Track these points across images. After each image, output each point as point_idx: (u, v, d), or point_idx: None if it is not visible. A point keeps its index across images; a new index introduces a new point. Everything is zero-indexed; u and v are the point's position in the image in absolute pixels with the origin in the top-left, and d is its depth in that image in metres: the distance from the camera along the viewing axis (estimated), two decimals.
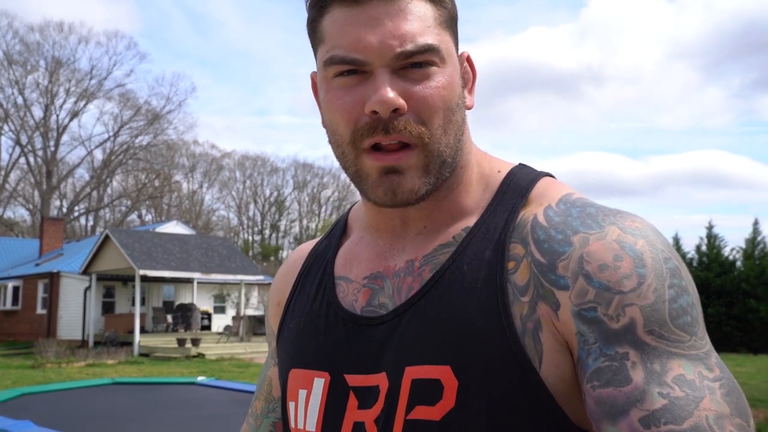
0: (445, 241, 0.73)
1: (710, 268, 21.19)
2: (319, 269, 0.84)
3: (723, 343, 20.30)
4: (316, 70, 0.76)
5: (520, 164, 0.79)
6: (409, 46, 0.67)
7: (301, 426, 0.76)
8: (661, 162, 76.05)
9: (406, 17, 0.68)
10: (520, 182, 0.74)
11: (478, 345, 0.65)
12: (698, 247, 22.09)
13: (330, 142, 0.74)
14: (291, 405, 0.78)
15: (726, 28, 67.45)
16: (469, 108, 0.75)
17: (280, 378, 0.83)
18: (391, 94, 0.66)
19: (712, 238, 21.84)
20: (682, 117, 72.75)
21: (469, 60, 0.77)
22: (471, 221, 0.73)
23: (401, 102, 0.67)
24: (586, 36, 73.82)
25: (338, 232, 0.86)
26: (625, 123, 74.87)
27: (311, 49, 0.76)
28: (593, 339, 0.61)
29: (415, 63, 0.68)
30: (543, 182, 0.75)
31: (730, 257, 21.51)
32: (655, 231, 0.66)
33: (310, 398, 0.76)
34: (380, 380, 0.70)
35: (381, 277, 0.76)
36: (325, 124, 0.74)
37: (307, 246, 0.91)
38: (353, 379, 0.72)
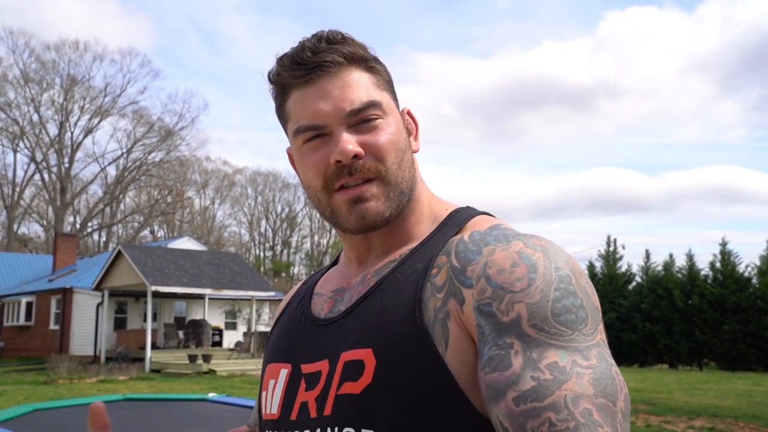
0: (392, 259, 0.88)
1: (725, 285, 20.98)
2: (305, 289, 1.02)
3: (738, 361, 20.01)
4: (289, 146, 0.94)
5: (467, 206, 0.95)
6: (357, 105, 0.85)
7: (268, 411, 0.90)
8: (676, 177, 75.61)
9: (349, 86, 0.86)
10: (460, 217, 0.91)
11: (394, 332, 0.78)
12: (712, 264, 21.89)
13: (308, 196, 0.92)
14: (263, 395, 0.93)
15: (743, 42, 66.93)
16: (415, 151, 0.93)
17: (261, 375, 0.97)
18: (349, 145, 0.83)
19: (726, 254, 21.65)
20: (698, 131, 72.42)
21: (410, 114, 0.95)
22: (415, 244, 0.89)
23: (358, 149, 0.84)
24: (602, 50, 73.62)
25: (330, 264, 1.06)
26: (640, 138, 74.62)
27: (283, 130, 0.94)
28: (488, 331, 0.73)
29: (364, 119, 0.85)
30: (480, 217, 0.90)
31: (746, 274, 21.28)
32: (556, 249, 0.78)
33: (276, 386, 0.90)
34: (323, 366, 0.84)
35: (343, 290, 0.93)
36: (303, 184, 0.92)
37: (308, 277, 1.10)
38: (306, 367, 0.87)
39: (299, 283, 1.09)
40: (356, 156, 0.84)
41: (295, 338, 0.92)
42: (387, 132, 0.86)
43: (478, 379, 0.72)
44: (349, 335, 0.83)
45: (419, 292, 0.80)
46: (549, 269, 0.74)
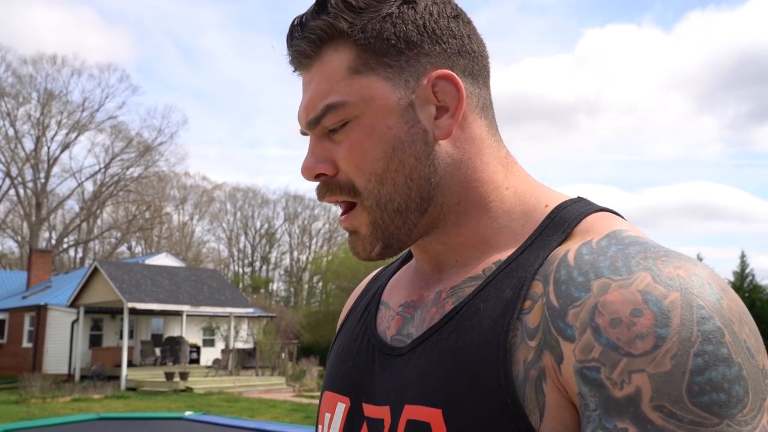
0: (475, 274, 0.67)
1: None
2: (372, 292, 0.82)
3: None
4: None
5: (578, 197, 0.71)
6: (311, 115, 0.68)
7: None
8: (654, 193, 76.61)
9: (316, 81, 0.68)
10: (566, 216, 0.66)
11: (471, 390, 0.59)
12: None
13: None
14: (320, 429, 0.77)
15: (721, 59, 68.33)
16: (441, 138, 0.68)
17: (319, 399, 0.81)
18: (309, 162, 0.69)
19: None
20: (676, 147, 73.50)
21: (448, 78, 0.68)
22: (504, 255, 0.66)
23: (322, 167, 0.68)
24: (582, 67, 74.68)
25: (404, 256, 0.84)
26: (619, 154, 75.48)
27: None
28: (594, 405, 0.53)
29: (334, 127, 0.68)
30: (595, 216, 0.66)
31: None
32: (703, 281, 0.55)
33: (332, 423, 0.74)
34: (386, 414, 0.66)
35: (414, 306, 0.73)
36: None
37: (380, 269, 0.89)
38: (368, 409, 0.69)
39: (367, 279, 0.88)
40: (323, 175, 0.68)
41: (355, 364, 0.74)
42: (356, 140, 0.67)
43: None
44: (416, 380, 0.64)
45: (505, 334, 0.59)
46: (689, 321, 0.52)
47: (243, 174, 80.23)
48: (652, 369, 0.51)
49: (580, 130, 71.49)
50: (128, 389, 18.70)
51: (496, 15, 75.32)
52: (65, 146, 45.99)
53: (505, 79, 74.03)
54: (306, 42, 0.68)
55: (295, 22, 0.70)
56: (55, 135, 45.76)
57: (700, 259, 22.04)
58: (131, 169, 47.98)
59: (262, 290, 50.45)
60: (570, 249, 0.61)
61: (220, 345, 26.44)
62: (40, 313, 24.74)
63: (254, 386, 19.21)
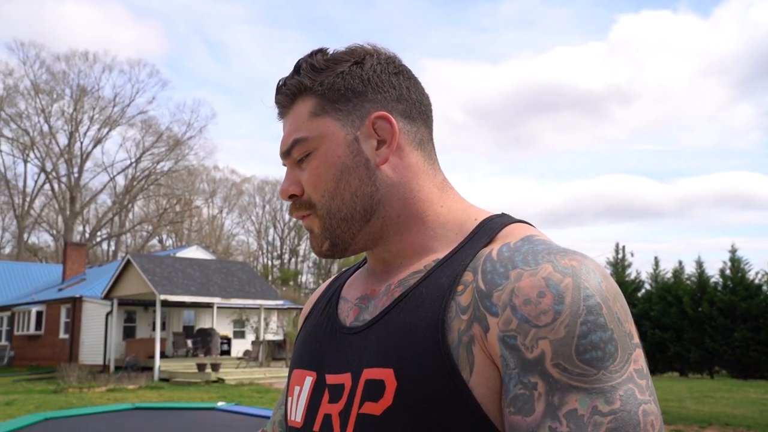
0: (417, 269, 0.85)
1: (735, 292, 20.81)
2: (333, 290, 1.00)
3: (750, 368, 19.83)
4: None
5: (501, 213, 0.89)
6: (284, 148, 0.88)
7: (293, 418, 0.90)
8: (688, 184, 75.15)
9: (289, 124, 0.89)
10: (492, 226, 0.84)
11: (416, 352, 0.75)
12: (722, 271, 21.75)
13: None
14: (289, 400, 0.93)
15: (760, 45, 66.45)
16: (381, 163, 0.86)
17: (287, 379, 0.97)
18: (284, 186, 0.89)
19: (735, 261, 21.49)
20: (711, 136, 71.91)
21: (385, 118, 0.86)
22: (441, 255, 0.84)
23: (292, 189, 0.88)
24: (615, 54, 73.23)
25: (360, 263, 1.03)
26: (651, 144, 74.20)
27: None
28: (513, 365, 0.70)
29: (298, 158, 0.87)
30: (513, 225, 0.84)
31: (756, 281, 21.12)
32: (589, 269, 0.72)
33: (300, 394, 0.90)
34: (346, 379, 0.82)
35: (368, 297, 0.90)
36: None
37: (337, 274, 1.06)
38: (330, 378, 0.85)
39: (327, 282, 1.07)
40: (294, 195, 0.88)
41: (321, 345, 0.90)
42: (314, 166, 0.86)
43: (503, 415, 0.70)
44: (372, 350, 0.81)
45: (443, 310, 0.76)
46: (577, 299, 0.69)
47: (271, 167, 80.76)
48: (552, 336, 0.68)
49: (611, 119, 70.44)
50: (161, 380, 19.01)
51: (520, 6, 74.45)
52: (97, 141, 46.82)
53: (534, 69, 73.15)
54: (283, 96, 0.89)
55: (279, 83, 0.90)
56: (87, 130, 46.65)
57: (734, 250, 21.60)
58: (161, 163, 48.72)
59: (291, 282, 50.82)
60: (494, 248, 0.79)
61: (250, 337, 26.74)
62: (75, 305, 25.27)
63: (284, 378, 19.38)
